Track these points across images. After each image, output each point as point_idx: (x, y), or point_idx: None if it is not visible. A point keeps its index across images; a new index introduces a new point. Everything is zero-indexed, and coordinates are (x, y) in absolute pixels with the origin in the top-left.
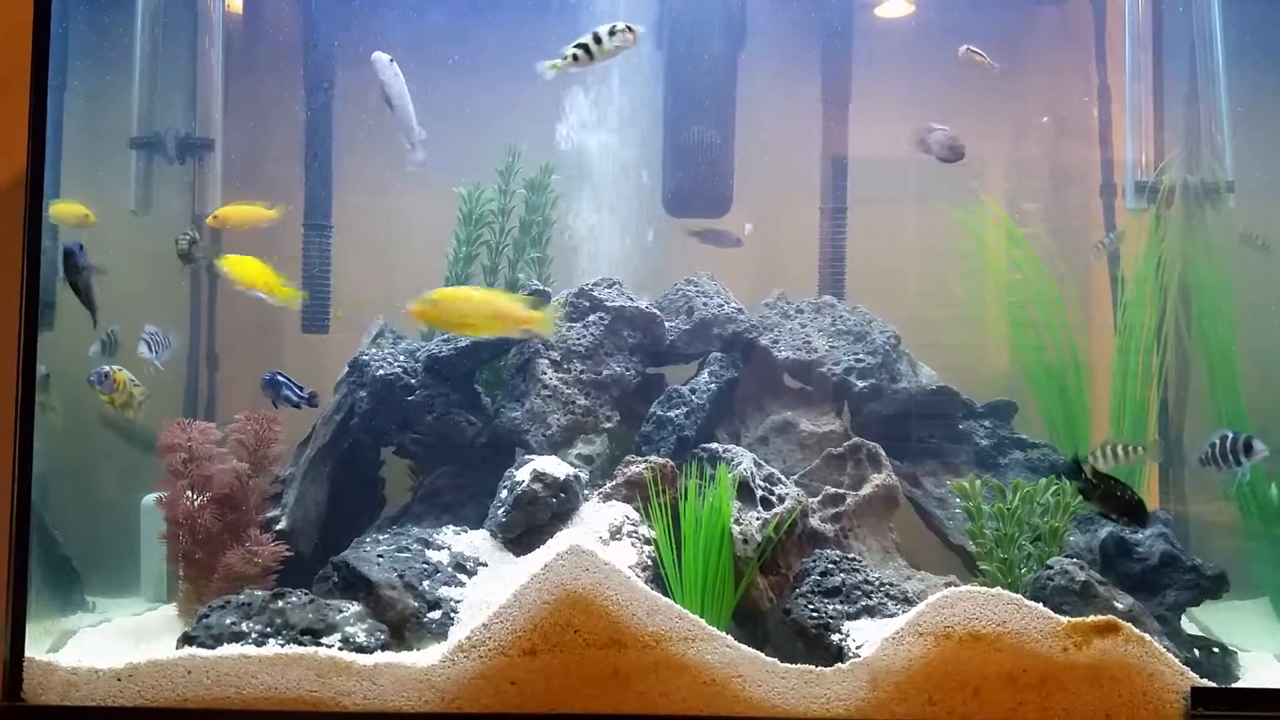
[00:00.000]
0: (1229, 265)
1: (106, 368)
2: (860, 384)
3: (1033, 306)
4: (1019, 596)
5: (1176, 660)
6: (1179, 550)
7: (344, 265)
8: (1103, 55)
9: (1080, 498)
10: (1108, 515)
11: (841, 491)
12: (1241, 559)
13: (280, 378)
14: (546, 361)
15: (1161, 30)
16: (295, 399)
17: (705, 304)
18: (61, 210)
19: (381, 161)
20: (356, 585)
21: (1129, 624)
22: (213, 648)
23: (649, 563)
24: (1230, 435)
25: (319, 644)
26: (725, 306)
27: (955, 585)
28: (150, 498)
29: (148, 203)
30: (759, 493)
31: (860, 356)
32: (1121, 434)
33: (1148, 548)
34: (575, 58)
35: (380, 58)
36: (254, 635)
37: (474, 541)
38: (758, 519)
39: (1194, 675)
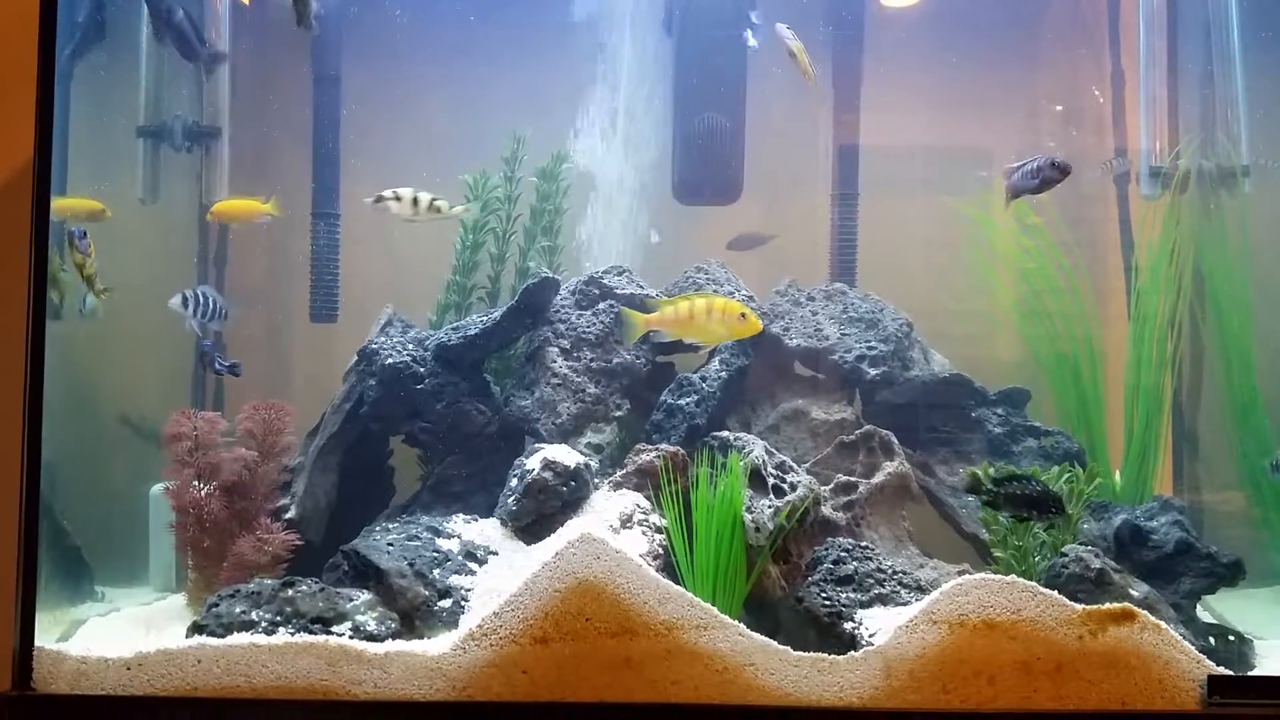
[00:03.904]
0: (1244, 251)
1: (86, 232)
2: (872, 372)
3: (1046, 294)
4: (1033, 584)
5: (1192, 648)
6: (1194, 538)
7: (351, 254)
8: (1116, 40)
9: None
10: (1022, 517)
11: (853, 479)
12: (1255, 547)
13: (208, 345)
14: (556, 350)
15: (1176, 13)
16: (220, 368)
17: (715, 291)
18: (72, 205)
19: (389, 150)
20: (367, 574)
21: (1144, 611)
22: (223, 636)
23: (660, 551)
24: None
25: (329, 633)
26: (736, 294)
27: (969, 573)
28: (158, 487)
29: (155, 191)
30: (770, 481)
31: (872, 344)
32: (1134, 422)
33: (1163, 535)
34: None
35: None
36: (264, 624)
37: (484, 530)
38: (769, 507)
39: (1210, 663)
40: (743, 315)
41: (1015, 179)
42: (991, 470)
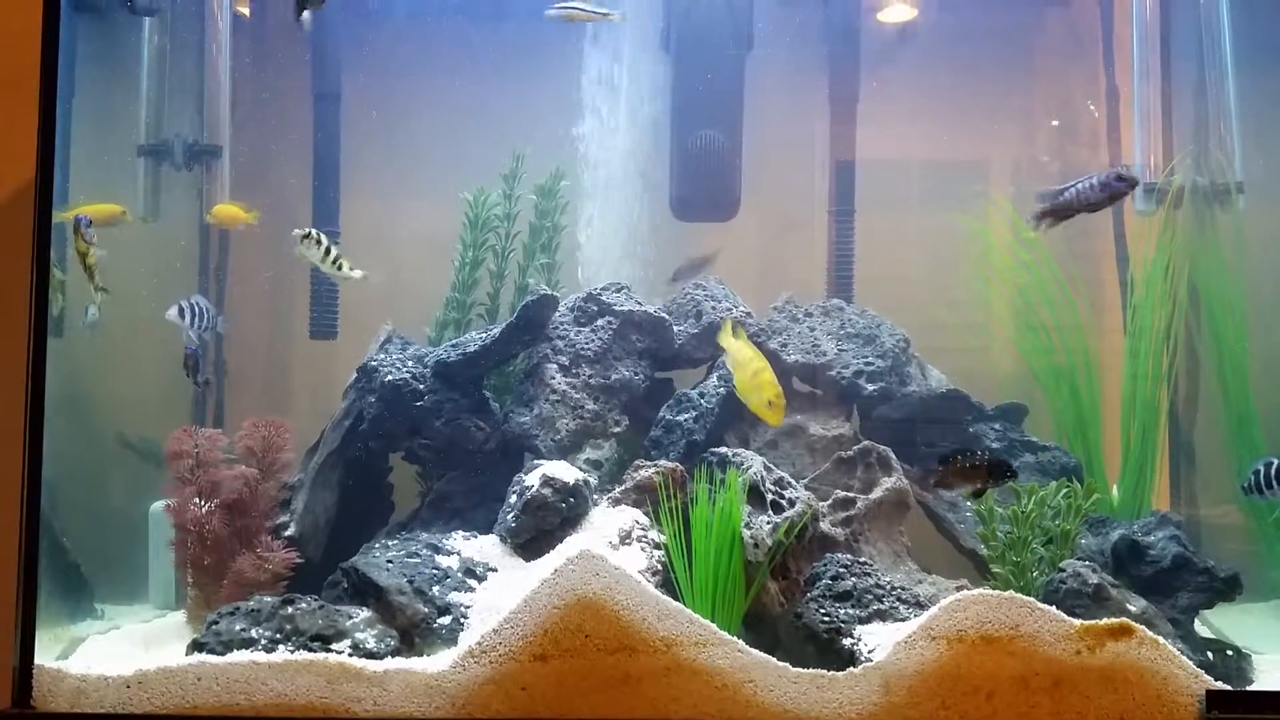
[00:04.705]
0: (1239, 266)
1: (93, 221)
2: (870, 387)
3: (1043, 308)
4: (1031, 599)
5: (1191, 663)
6: (1191, 553)
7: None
8: (1110, 56)
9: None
10: (980, 490)
11: (852, 495)
12: (1253, 561)
13: (192, 349)
14: (555, 366)
15: (1170, 30)
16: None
17: (714, 308)
18: (91, 210)
19: (389, 167)
20: (366, 591)
21: (1142, 627)
22: (222, 654)
23: (659, 567)
24: (1276, 461)
25: (329, 650)
26: (734, 310)
27: (967, 589)
28: (159, 505)
29: (156, 210)
30: (769, 497)
31: (869, 360)
32: (1131, 436)
33: (1160, 550)
34: None
35: None
36: (264, 642)
37: (483, 547)
38: (768, 523)
39: (1209, 678)
40: (770, 403)
41: (1071, 195)
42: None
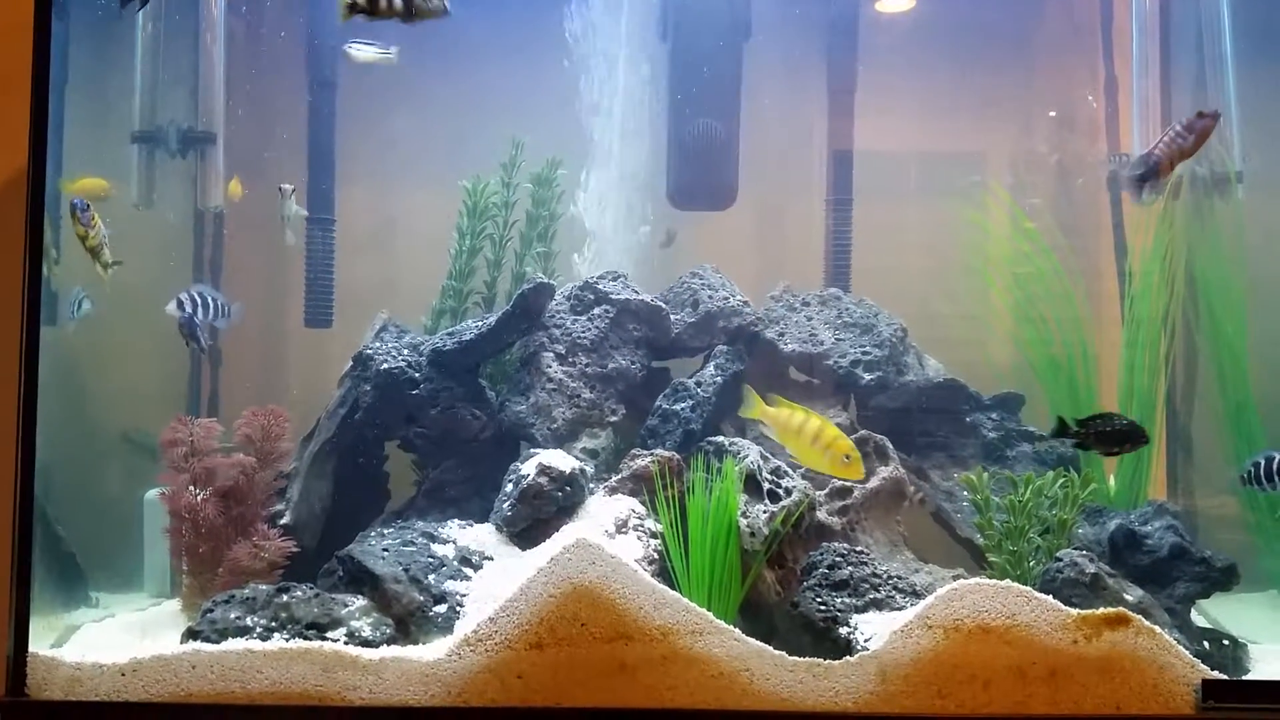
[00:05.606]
0: (1239, 256)
1: (89, 204)
2: (867, 377)
3: (1040, 298)
4: (1028, 589)
5: (1187, 652)
6: (1188, 542)
7: (346, 259)
8: (1110, 46)
9: (1082, 449)
10: (1112, 451)
11: (849, 484)
12: (1250, 551)
13: (186, 318)
14: (552, 355)
15: (1169, 20)
16: (201, 345)
17: (711, 297)
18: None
19: (384, 155)
20: (361, 579)
21: (1139, 616)
22: (217, 642)
23: (655, 556)
24: (1277, 456)
25: (324, 638)
26: (731, 299)
27: (963, 578)
28: (153, 492)
29: (150, 197)
30: (766, 486)
31: (867, 349)
32: None
33: (1157, 540)
34: None
35: None
36: (259, 630)
37: (479, 535)
38: (764, 512)
39: (1205, 667)
40: (847, 457)
41: (1161, 151)
42: (986, 475)
